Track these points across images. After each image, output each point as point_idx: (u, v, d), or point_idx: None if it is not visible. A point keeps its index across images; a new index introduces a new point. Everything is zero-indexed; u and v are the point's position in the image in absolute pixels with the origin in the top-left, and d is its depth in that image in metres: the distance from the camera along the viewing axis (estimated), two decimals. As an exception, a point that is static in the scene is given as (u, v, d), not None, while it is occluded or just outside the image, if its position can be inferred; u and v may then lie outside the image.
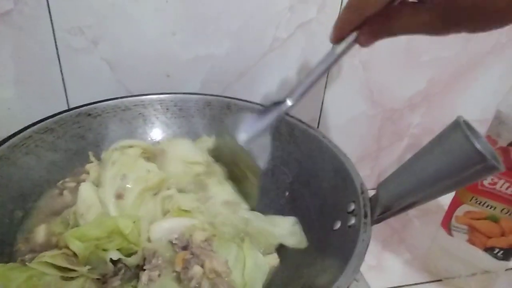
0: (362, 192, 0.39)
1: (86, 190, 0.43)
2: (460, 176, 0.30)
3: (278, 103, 0.43)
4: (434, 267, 0.65)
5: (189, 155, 0.49)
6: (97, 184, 0.45)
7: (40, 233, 0.41)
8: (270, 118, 0.42)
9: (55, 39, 0.54)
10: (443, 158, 0.30)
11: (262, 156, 0.40)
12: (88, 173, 0.48)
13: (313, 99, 0.69)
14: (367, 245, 0.34)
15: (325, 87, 0.68)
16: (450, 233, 0.61)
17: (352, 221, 0.38)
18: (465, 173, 0.29)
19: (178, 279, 0.35)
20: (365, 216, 0.37)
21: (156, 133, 0.56)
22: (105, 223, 0.37)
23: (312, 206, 0.46)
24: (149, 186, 0.43)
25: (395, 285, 0.63)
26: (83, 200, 0.42)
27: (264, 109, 0.44)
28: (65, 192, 0.47)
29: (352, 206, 0.39)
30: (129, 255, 0.37)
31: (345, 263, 0.33)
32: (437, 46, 0.69)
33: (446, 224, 0.61)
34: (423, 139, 0.79)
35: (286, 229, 0.42)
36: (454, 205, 0.59)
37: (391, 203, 0.36)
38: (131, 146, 0.48)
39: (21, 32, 0.53)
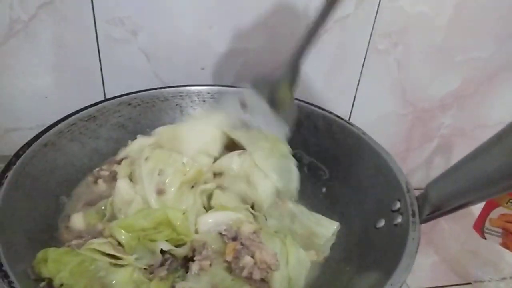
0: (408, 191, 0.39)
1: (124, 187, 0.42)
2: (521, 177, 0.29)
3: None
4: (464, 270, 0.64)
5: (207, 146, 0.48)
6: (132, 179, 0.44)
7: (78, 221, 0.42)
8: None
9: (95, 29, 0.54)
10: (503, 158, 0.29)
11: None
12: (119, 163, 0.48)
13: (345, 94, 0.69)
14: (418, 244, 0.34)
15: (358, 84, 0.68)
16: (483, 236, 0.60)
17: (399, 219, 0.38)
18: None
19: (229, 269, 0.35)
20: (413, 215, 0.36)
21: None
22: (153, 214, 0.37)
23: (351, 203, 0.45)
24: (188, 179, 0.43)
25: (424, 287, 0.62)
26: (121, 197, 0.42)
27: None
28: (100, 181, 0.47)
29: (398, 205, 0.39)
30: (177, 246, 0.37)
31: (396, 261, 0.32)
32: (472, 46, 0.68)
33: (479, 226, 0.60)
34: (453, 141, 0.78)
35: (331, 231, 0.42)
36: (489, 207, 0.58)
37: (441, 202, 0.35)
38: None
39: (62, 21, 0.53)
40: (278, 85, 0.50)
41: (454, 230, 0.74)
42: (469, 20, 0.65)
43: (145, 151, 0.45)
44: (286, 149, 0.48)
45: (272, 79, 0.50)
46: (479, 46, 0.68)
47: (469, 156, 0.34)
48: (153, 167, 0.43)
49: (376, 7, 0.61)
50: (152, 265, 0.36)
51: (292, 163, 0.47)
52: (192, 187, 0.44)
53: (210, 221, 0.38)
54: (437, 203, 0.35)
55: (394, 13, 0.62)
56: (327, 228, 0.42)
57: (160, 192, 0.41)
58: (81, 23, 0.54)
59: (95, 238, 0.37)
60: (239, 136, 0.48)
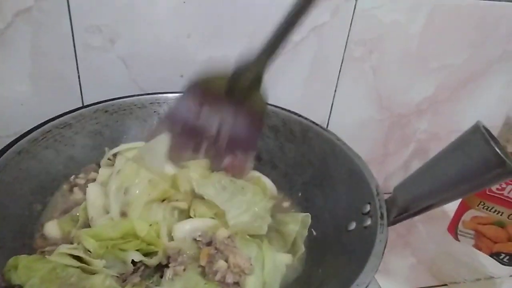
0: (378, 194, 0.40)
1: (94, 193, 0.43)
2: (479, 180, 0.30)
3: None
4: (439, 271, 0.66)
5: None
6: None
7: (53, 229, 0.42)
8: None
9: (73, 36, 0.55)
10: (464, 161, 0.31)
11: None
12: (97, 171, 0.48)
13: (323, 101, 0.70)
14: (385, 246, 0.35)
15: (335, 90, 0.69)
16: (456, 238, 0.62)
17: (368, 222, 0.39)
18: (484, 177, 0.30)
19: (203, 273, 0.36)
20: (382, 217, 0.37)
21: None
22: (120, 224, 0.37)
23: (325, 206, 0.46)
24: (153, 198, 0.42)
25: (401, 289, 0.63)
26: (92, 202, 0.42)
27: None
28: (75, 189, 0.47)
29: (368, 208, 0.40)
30: (147, 254, 0.37)
31: (363, 262, 0.33)
32: (445, 53, 0.70)
33: (453, 229, 0.62)
34: (429, 145, 0.80)
35: (298, 223, 0.43)
36: (462, 210, 0.60)
37: (408, 205, 0.36)
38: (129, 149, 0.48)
39: (40, 28, 0.53)
40: (242, 77, 0.47)
41: (430, 232, 0.75)
42: (442, 28, 0.67)
43: (118, 162, 0.45)
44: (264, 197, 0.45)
45: (229, 72, 0.47)
46: (453, 53, 0.71)
47: (433, 160, 0.35)
48: (119, 185, 0.42)
49: (351, 16, 0.63)
50: (124, 273, 0.36)
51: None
52: (163, 200, 0.43)
53: (187, 228, 0.39)
54: (403, 206, 0.37)
55: (368, 22, 0.64)
56: (294, 221, 0.42)
57: (123, 214, 0.40)
58: (58, 30, 0.54)
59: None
60: (211, 196, 0.42)
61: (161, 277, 0.37)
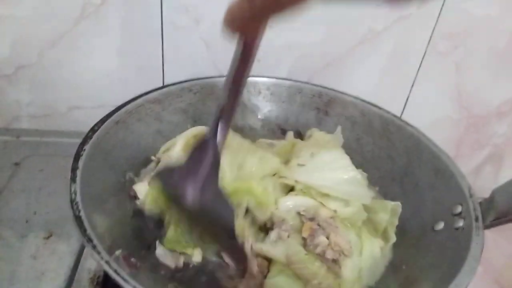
0: (471, 196, 0.39)
1: None
2: None
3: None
4: (508, 283, 0.62)
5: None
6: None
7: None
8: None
9: (162, 15, 0.56)
10: None
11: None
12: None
13: (397, 95, 0.68)
14: (482, 249, 0.34)
15: (413, 85, 0.67)
16: (533, 250, 0.58)
17: (460, 223, 0.37)
18: None
19: (304, 245, 0.37)
20: (477, 220, 0.36)
21: (248, 115, 0.57)
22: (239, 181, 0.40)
23: (406, 203, 0.45)
24: (265, 174, 0.43)
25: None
26: None
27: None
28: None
29: (459, 209, 0.39)
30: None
31: (458, 264, 0.32)
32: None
33: (531, 240, 0.58)
34: (505, 150, 0.76)
35: (388, 212, 0.43)
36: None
37: (509, 208, 0.35)
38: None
39: (131, 6, 0.55)
40: None
41: (498, 241, 0.72)
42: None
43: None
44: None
45: None
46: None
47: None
48: (232, 160, 0.42)
49: (440, 8, 0.60)
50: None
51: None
52: (274, 175, 0.44)
53: (289, 203, 0.40)
54: (503, 209, 0.35)
55: (458, 14, 0.60)
56: (383, 210, 0.42)
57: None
58: (148, 9, 0.56)
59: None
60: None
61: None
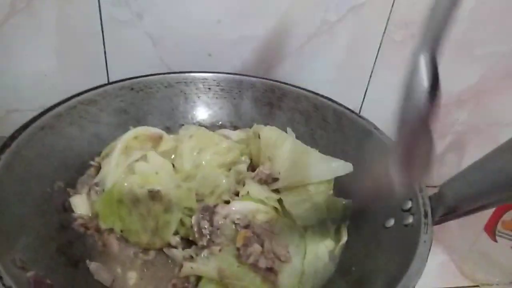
0: (421, 190, 0.37)
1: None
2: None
3: None
4: (471, 271, 0.62)
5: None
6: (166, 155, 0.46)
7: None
8: None
9: (100, 10, 0.52)
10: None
11: None
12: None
13: (356, 87, 0.66)
14: (430, 247, 0.32)
15: (370, 76, 0.65)
16: (494, 239, 0.58)
17: (409, 220, 0.36)
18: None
19: (239, 256, 0.34)
20: (426, 216, 0.34)
21: (198, 113, 0.54)
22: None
23: (359, 199, 0.43)
24: (224, 163, 0.45)
25: (430, 288, 0.60)
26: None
27: None
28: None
29: (409, 204, 0.37)
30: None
31: (406, 264, 0.30)
32: (493, 39, 0.65)
33: (490, 228, 0.58)
34: (467, 138, 0.75)
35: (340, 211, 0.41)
36: (502, 209, 0.56)
37: (457, 204, 0.33)
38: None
39: (66, 2, 0.51)
40: None
41: (463, 230, 0.71)
42: (491, 13, 0.61)
43: (191, 129, 0.49)
44: None
45: None
46: (501, 40, 0.65)
47: (489, 156, 0.32)
48: (194, 145, 0.46)
49: (393, -4, 0.58)
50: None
51: None
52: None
53: (227, 211, 0.37)
54: (452, 204, 0.33)
55: (411, 2, 0.59)
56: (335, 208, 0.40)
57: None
58: (85, 4, 0.52)
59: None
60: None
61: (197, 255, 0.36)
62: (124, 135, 0.45)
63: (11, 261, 0.28)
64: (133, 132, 0.46)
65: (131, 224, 0.38)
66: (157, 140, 0.47)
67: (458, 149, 0.76)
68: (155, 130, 0.48)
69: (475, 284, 0.62)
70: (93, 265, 0.36)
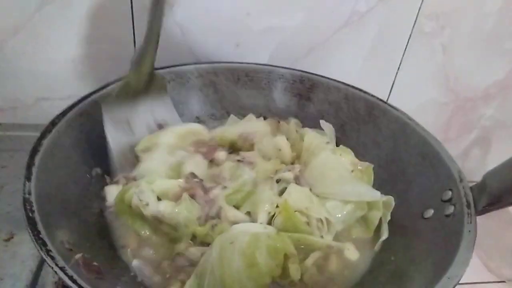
0: (461, 180, 0.36)
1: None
2: None
3: None
4: (498, 267, 0.61)
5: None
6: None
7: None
8: None
9: (131, -2, 0.52)
10: None
11: None
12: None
13: (383, 78, 0.65)
14: (475, 237, 0.31)
15: (399, 68, 0.64)
16: (523, 235, 0.57)
17: (450, 210, 0.35)
18: None
19: None
20: (468, 206, 0.34)
21: (226, 103, 0.54)
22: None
23: (393, 190, 0.43)
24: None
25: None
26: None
27: None
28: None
29: (449, 194, 0.36)
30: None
31: (452, 254, 0.30)
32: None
33: (520, 224, 0.57)
34: (493, 133, 0.74)
35: (381, 208, 0.40)
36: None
37: (502, 194, 0.32)
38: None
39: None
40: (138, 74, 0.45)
41: (488, 225, 0.70)
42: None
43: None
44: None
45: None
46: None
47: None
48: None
49: (425, -13, 0.57)
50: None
51: None
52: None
53: None
54: (496, 195, 0.33)
55: (443, -7, 0.58)
56: (376, 206, 0.40)
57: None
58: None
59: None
60: None
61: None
62: (167, 131, 0.45)
63: (60, 243, 0.28)
64: (178, 129, 0.46)
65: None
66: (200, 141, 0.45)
67: (483, 144, 0.76)
68: (200, 128, 0.47)
69: (501, 280, 0.61)
70: (135, 262, 0.35)
